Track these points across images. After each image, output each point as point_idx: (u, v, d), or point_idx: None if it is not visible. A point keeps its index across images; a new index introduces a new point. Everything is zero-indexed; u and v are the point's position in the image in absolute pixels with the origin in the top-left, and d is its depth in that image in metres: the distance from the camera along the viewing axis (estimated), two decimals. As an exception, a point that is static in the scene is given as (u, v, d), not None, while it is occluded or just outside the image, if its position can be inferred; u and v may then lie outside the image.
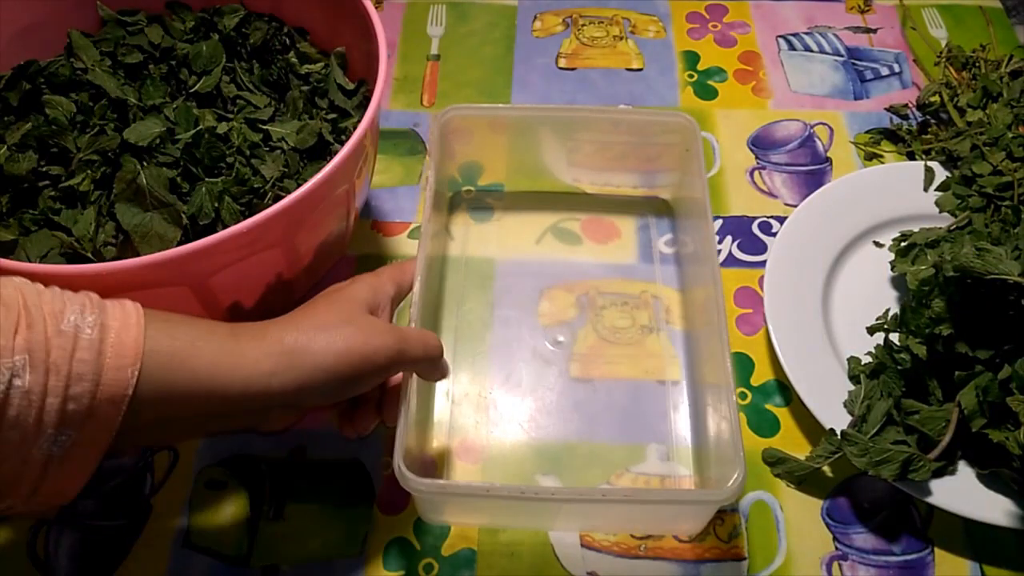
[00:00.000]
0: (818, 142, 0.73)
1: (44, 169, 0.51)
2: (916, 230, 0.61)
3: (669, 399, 0.58)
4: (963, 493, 0.51)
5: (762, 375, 0.59)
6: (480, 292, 0.63)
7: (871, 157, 0.72)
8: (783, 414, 0.58)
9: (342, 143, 0.54)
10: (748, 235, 0.67)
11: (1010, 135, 0.65)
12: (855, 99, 0.77)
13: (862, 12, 0.85)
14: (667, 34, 0.82)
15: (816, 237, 0.63)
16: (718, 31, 0.83)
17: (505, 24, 0.83)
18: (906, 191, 0.66)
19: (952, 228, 0.61)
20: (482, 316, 0.62)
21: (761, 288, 0.61)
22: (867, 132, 0.74)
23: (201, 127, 0.53)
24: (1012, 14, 0.85)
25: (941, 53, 0.77)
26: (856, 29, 0.83)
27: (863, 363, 0.56)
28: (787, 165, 0.72)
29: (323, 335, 0.41)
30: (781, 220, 0.67)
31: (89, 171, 0.51)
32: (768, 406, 0.58)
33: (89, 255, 0.49)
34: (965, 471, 0.52)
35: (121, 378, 0.35)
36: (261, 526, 0.53)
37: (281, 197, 0.46)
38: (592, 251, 0.66)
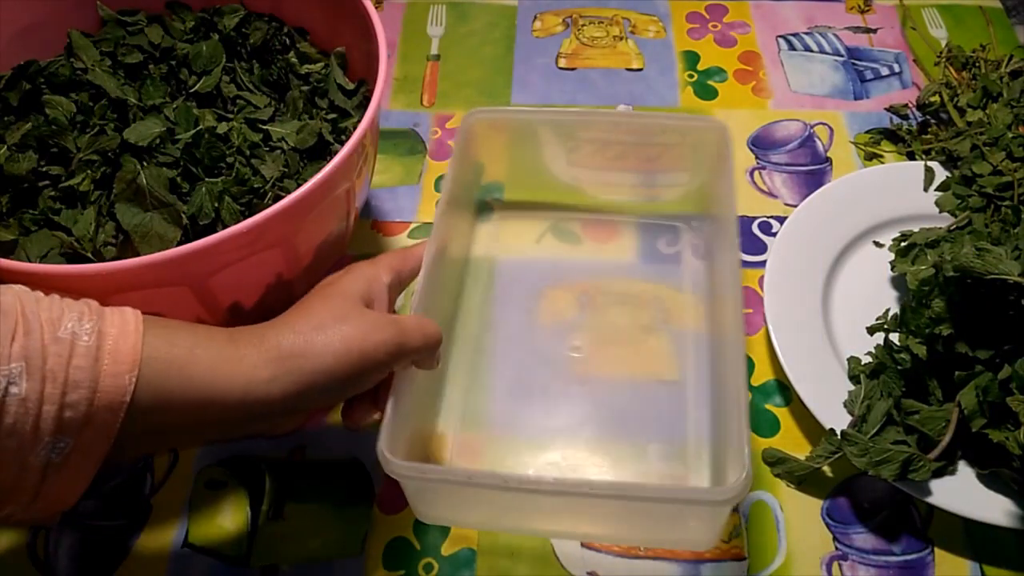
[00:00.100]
0: (818, 142, 0.73)
1: (44, 169, 0.51)
2: (916, 230, 0.61)
3: (669, 399, 0.58)
4: (963, 493, 0.51)
5: (762, 375, 0.59)
6: (480, 292, 0.63)
7: (871, 157, 0.72)
8: (783, 414, 0.58)
9: (342, 143, 0.54)
10: (748, 235, 0.67)
11: (1010, 135, 0.65)
12: (855, 99, 0.77)
13: (862, 12, 0.85)
14: (667, 34, 0.82)
15: (816, 237, 0.63)
16: (718, 31, 0.83)
17: (505, 24, 0.83)
18: (906, 191, 0.66)
19: (952, 228, 0.61)
20: (482, 316, 0.62)
21: (761, 288, 0.61)
22: (867, 132, 0.74)
23: (201, 127, 0.53)
24: (1012, 14, 0.85)
25: (941, 53, 0.77)
26: (856, 29, 0.83)
27: (863, 363, 0.56)
28: (787, 165, 0.72)
29: (320, 336, 0.40)
30: (781, 220, 0.67)
31: (89, 171, 0.51)
32: (768, 406, 0.58)
33: (89, 255, 0.49)
34: (965, 471, 0.52)
35: (118, 385, 0.35)
36: (261, 526, 0.53)
37: (281, 197, 0.46)
38: (592, 251, 0.66)
